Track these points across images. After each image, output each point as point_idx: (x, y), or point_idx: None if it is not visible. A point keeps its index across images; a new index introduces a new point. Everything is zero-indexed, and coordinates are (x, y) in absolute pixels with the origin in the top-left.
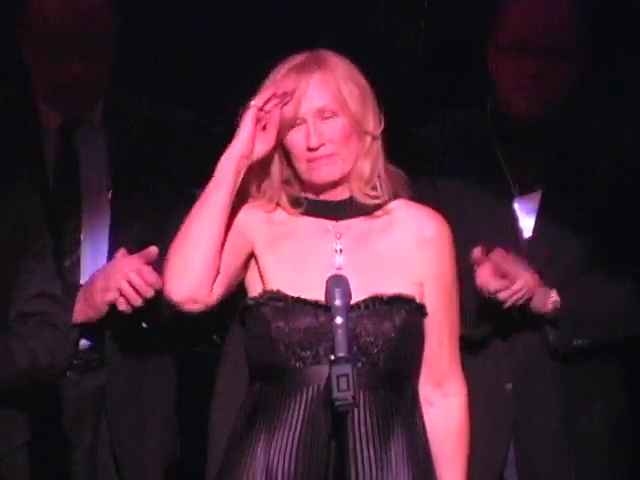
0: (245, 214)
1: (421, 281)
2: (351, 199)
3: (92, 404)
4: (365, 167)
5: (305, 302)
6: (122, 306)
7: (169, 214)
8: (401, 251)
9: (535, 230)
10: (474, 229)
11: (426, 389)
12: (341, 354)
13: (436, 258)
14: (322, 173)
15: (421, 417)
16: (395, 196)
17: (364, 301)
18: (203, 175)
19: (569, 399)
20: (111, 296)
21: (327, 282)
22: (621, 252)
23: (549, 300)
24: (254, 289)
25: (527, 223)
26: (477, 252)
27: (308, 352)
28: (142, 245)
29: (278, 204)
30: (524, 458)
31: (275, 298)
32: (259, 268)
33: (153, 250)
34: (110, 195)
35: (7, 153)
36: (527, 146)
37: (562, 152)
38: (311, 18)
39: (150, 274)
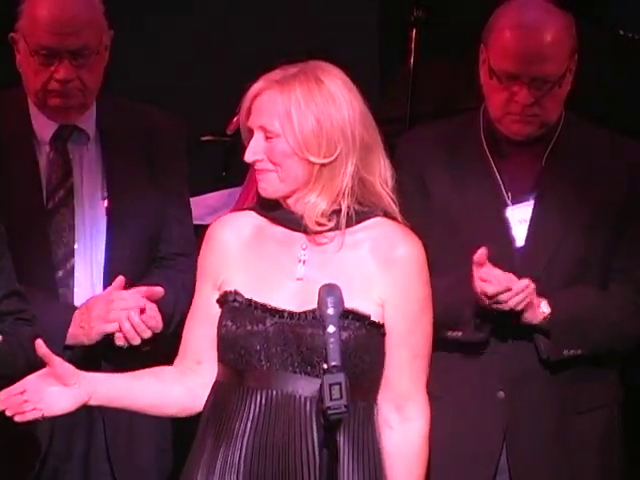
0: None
1: (383, 301)
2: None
3: (85, 413)
4: (312, 195)
5: (256, 306)
6: (119, 341)
7: (163, 221)
8: (366, 268)
9: (527, 239)
10: (467, 238)
11: (385, 411)
12: (334, 363)
13: (401, 280)
14: (260, 188)
15: (374, 438)
16: (382, 212)
17: (312, 311)
18: (194, 181)
19: (561, 408)
20: (109, 329)
21: (320, 291)
22: (613, 261)
23: (539, 311)
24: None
25: (520, 232)
26: (479, 255)
27: (256, 355)
28: (138, 253)
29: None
30: (516, 466)
31: (231, 299)
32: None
33: (159, 290)
34: (106, 204)
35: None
36: (520, 155)
37: (554, 161)
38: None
39: (151, 318)
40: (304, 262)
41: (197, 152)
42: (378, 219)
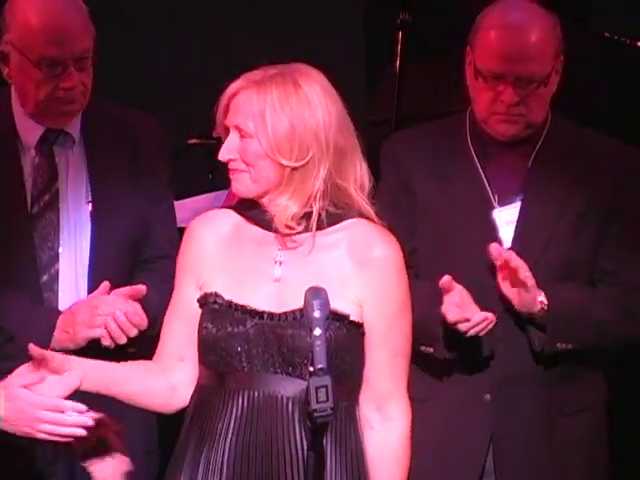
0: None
1: (360, 301)
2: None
3: None
4: (283, 198)
5: (236, 307)
6: (106, 341)
7: (148, 224)
8: (343, 269)
9: (514, 241)
10: (454, 241)
11: (366, 410)
12: (320, 365)
13: (379, 281)
14: (233, 187)
15: (357, 438)
16: (357, 213)
17: (293, 312)
18: (180, 184)
19: (547, 410)
20: (95, 333)
21: (306, 294)
22: (600, 262)
23: (537, 301)
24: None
25: (507, 234)
26: (444, 281)
27: (237, 357)
28: (122, 257)
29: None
30: (502, 469)
31: (212, 300)
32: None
33: (141, 288)
34: (90, 207)
35: None
36: (506, 157)
37: (541, 163)
38: None
39: (136, 315)
40: (280, 263)
41: (183, 155)
42: (354, 220)
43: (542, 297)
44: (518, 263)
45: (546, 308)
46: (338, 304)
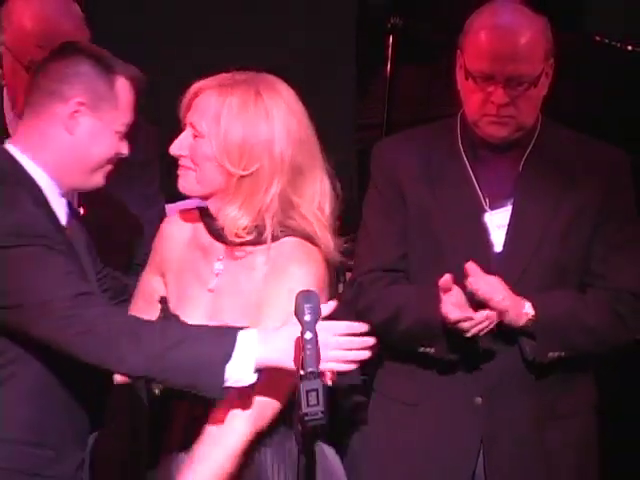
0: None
1: (282, 322)
2: None
3: None
4: (232, 207)
5: (170, 317)
6: None
7: (139, 229)
8: (259, 285)
9: (505, 244)
10: (445, 244)
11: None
12: (310, 369)
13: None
14: (179, 184)
15: None
16: (300, 234)
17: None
18: (170, 187)
19: (538, 413)
20: None
21: (297, 297)
22: (590, 265)
23: (523, 312)
24: None
25: (498, 237)
26: (444, 280)
27: None
28: (114, 260)
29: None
30: (493, 472)
31: (161, 307)
32: None
33: None
34: (82, 211)
35: None
36: (497, 161)
37: (532, 166)
38: None
39: None
40: (217, 274)
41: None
42: (289, 239)
43: (528, 308)
44: (486, 295)
45: (534, 319)
46: (246, 320)
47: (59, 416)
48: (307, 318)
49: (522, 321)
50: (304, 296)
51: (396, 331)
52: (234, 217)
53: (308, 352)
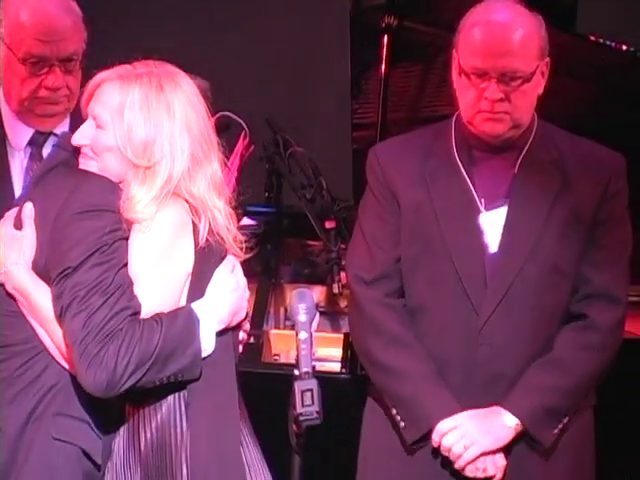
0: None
1: None
2: None
3: None
4: (138, 194)
5: None
6: None
7: None
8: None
9: (501, 246)
10: (440, 246)
11: None
12: (305, 369)
13: None
14: None
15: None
16: None
17: None
18: None
19: None
20: None
21: (292, 297)
22: (582, 267)
23: (507, 428)
24: None
25: (493, 239)
26: None
27: None
28: None
29: None
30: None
31: None
32: None
33: None
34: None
35: None
36: (493, 162)
37: (527, 167)
38: None
39: None
40: None
41: None
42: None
43: (507, 420)
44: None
45: (520, 425)
46: None
47: None
48: (301, 318)
49: (512, 434)
50: (299, 295)
51: (382, 384)
52: (134, 196)
53: (303, 352)
